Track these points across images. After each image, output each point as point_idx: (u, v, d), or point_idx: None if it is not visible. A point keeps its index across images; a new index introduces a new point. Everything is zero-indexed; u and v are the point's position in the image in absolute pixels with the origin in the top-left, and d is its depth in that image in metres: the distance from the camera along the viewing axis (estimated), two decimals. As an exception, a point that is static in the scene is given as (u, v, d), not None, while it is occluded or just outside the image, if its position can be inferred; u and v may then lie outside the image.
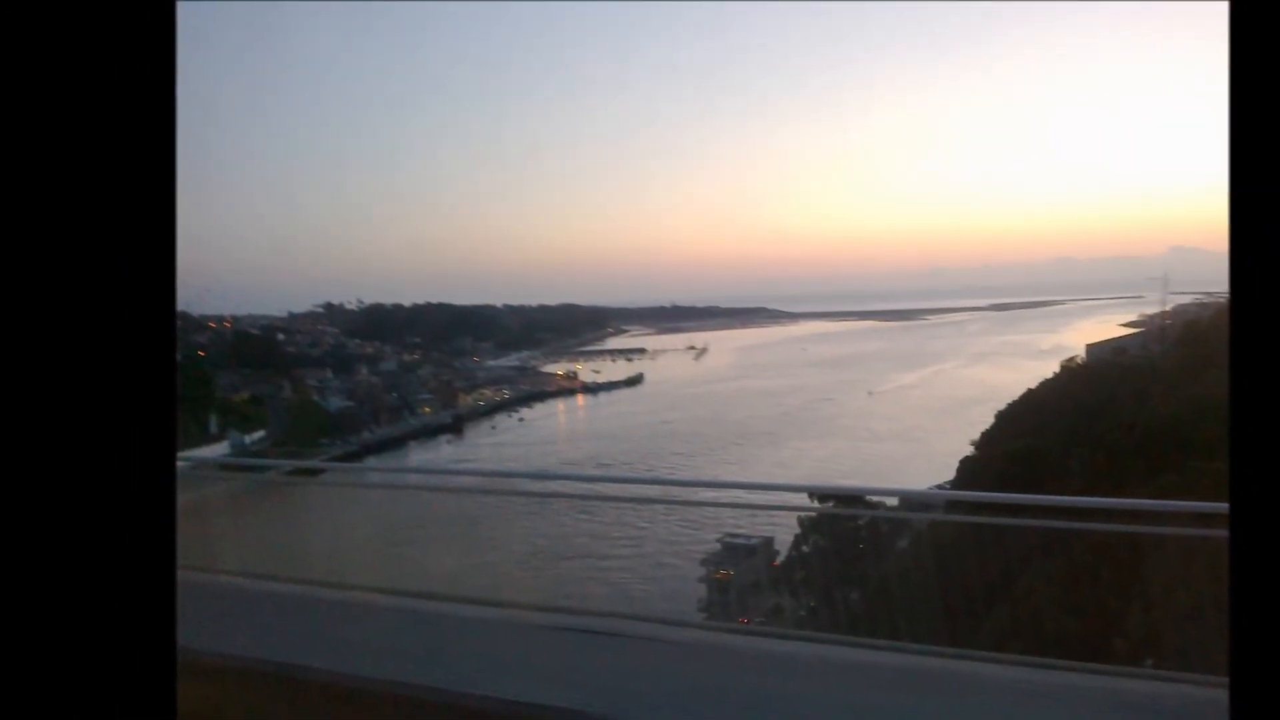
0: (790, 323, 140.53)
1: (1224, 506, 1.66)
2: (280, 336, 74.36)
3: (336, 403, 64.29)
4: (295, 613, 5.40)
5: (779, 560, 15.46)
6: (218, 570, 5.99)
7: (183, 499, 2.01)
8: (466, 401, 72.24)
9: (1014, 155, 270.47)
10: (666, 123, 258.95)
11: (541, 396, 77.94)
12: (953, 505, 8.28)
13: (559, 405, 77.86)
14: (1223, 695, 1.64)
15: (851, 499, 9.33)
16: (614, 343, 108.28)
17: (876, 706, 3.99)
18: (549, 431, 71.61)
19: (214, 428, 53.32)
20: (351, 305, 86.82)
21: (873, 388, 77.20)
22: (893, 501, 11.51)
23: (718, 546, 19.07)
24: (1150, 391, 26.39)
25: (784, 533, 14.80)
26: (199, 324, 65.36)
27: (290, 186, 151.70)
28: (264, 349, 70.19)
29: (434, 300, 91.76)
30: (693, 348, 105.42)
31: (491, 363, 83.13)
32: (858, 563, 11.29)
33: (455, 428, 68.25)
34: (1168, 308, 61.77)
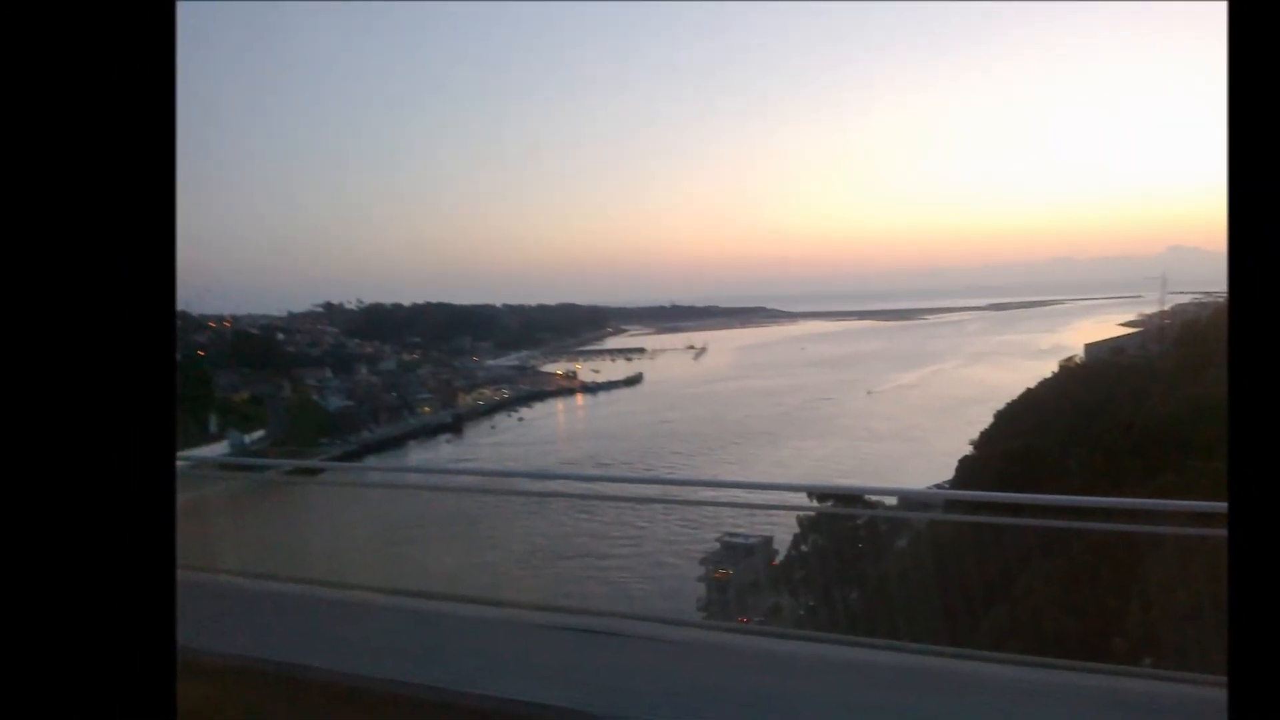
0: (789, 322, 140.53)
1: (1223, 506, 1.66)
2: (280, 336, 74.34)
3: (336, 402, 64.28)
4: (295, 612, 5.40)
5: (778, 560, 15.45)
6: (217, 570, 5.99)
7: (182, 498, 2.01)
8: (466, 401, 72.22)
9: (1013, 155, 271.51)
10: (666, 123, 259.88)
11: (541, 396, 77.93)
12: (951, 505, 8.28)
13: (558, 405, 77.85)
14: (1221, 694, 1.65)
15: (850, 498, 9.33)
16: (613, 342, 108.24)
17: (875, 706, 3.99)
18: (548, 431, 71.60)
19: (214, 427, 53.31)
20: (351, 305, 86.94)
21: (872, 387, 77.21)
22: (892, 501, 11.49)
23: (717, 546, 19.08)
24: (1149, 391, 26.39)
25: (783, 532, 14.79)
26: (199, 324, 65.36)
27: (290, 186, 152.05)
28: (264, 349, 70.17)
29: (433, 300, 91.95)
30: (692, 347, 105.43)
31: (491, 362, 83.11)
32: (857, 562, 11.30)
33: (455, 427, 68.23)
34: (1166, 307, 61.89)
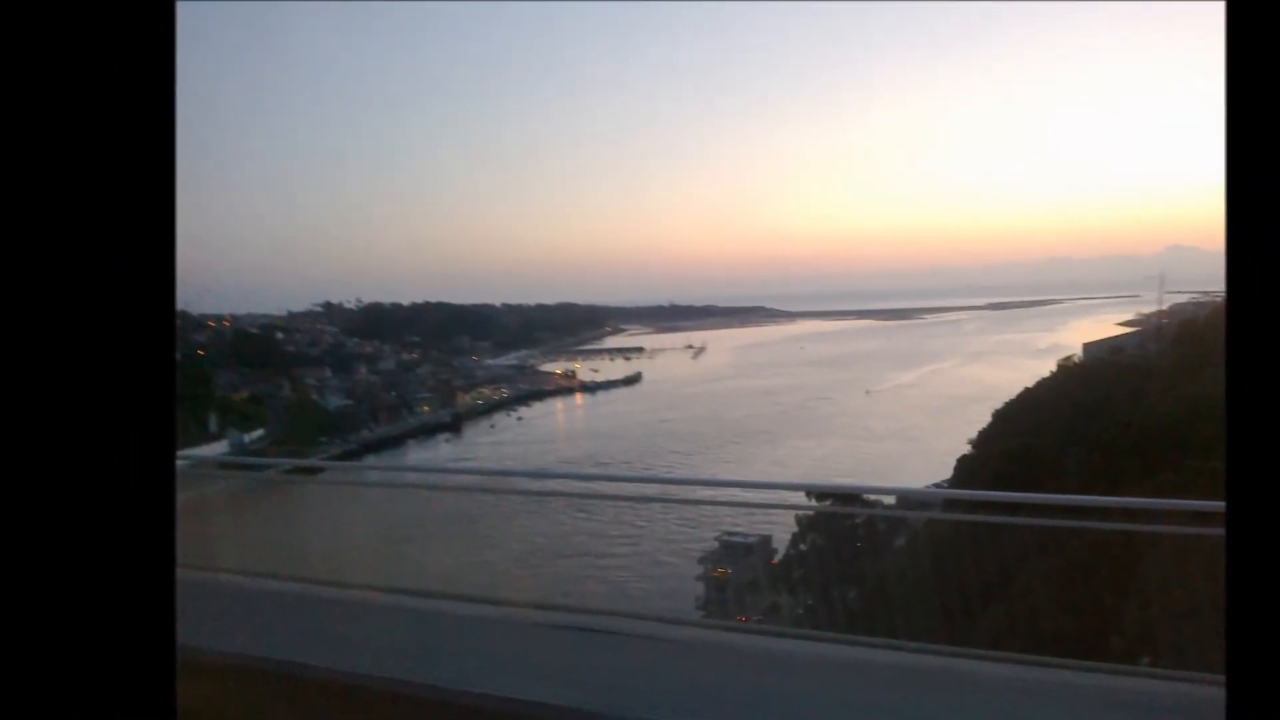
0: (788, 322, 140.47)
1: (1221, 505, 1.66)
2: (279, 335, 74.29)
3: (335, 401, 64.27)
4: (294, 611, 5.40)
5: (777, 559, 15.46)
6: (217, 569, 5.99)
7: (182, 498, 2.01)
8: (465, 400, 72.19)
9: (1013, 155, 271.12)
10: (666, 123, 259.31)
11: (540, 395, 77.93)
12: (950, 504, 8.30)
13: (557, 404, 77.84)
14: (1219, 693, 1.65)
15: (849, 497, 9.34)
16: (612, 342, 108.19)
17: (874, 704, 4.00)
18: (547, 430, 71.59)
19: (213, 426, 53.30)
20: (350, 304, 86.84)
21: (870, 387, 77.23)
22: (890, 500, 11.51)
23: (715, 545, 19.07)
24: (1147, 390, 26.41)
25: (782, 531, 14.81)
26: (198, 323, 65.32)
27: (290, 186, 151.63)
28: (263, 348, 70.13)
29: (433, 299, 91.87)
30: (691, 347, 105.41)
31: (490, 362, 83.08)
32: (855, 561, 11.30)
33: (454, 426, 68.22)
34: (1165, 307, 61.95)
